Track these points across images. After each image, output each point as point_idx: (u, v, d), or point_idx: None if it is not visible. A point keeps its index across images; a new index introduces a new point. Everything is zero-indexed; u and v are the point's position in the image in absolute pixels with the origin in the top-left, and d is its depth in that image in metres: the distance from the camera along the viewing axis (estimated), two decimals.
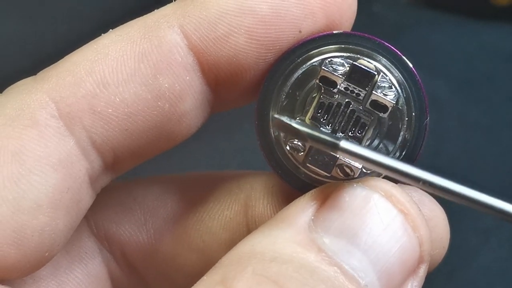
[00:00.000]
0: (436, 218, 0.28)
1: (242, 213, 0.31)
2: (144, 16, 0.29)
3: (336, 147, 0.23)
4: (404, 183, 0.24)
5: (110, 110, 0.27)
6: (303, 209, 0.25)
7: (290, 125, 0.24)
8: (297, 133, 0.24)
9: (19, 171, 0.26)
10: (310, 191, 0.26)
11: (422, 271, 0.25)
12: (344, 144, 0.23)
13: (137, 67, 0.27)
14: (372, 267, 0.24)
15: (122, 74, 0.27)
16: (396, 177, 0.23)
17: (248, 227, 0.30)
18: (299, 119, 0.27)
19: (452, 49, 0.74)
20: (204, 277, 0.24)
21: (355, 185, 0.25)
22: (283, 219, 0.25)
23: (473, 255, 0.52)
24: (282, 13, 0.28)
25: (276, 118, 0.26)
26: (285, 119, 0.25)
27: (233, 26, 0.28)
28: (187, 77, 0.28)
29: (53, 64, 0.28)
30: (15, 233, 0.26)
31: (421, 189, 0.24)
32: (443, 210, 0.29)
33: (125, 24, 0.29)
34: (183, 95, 0.28)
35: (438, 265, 0.28)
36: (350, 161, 0.25)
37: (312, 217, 0.25)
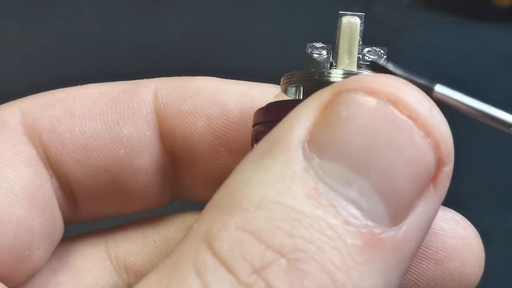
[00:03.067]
0: (470, 236, 0.28)
1: None
2: None
3: (431, 90, 0.23)
4: (497, 129, 0.23)
5: (68, 135, 0.29)
6: (297, 124, 0.22)
7: (387, 68, 0.24)
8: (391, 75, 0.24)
9: None
10: (308, 98, 0.22)
11: (445, 174, 0.22)
12: (438, 88, 0.23)
13: (105, 109, 0.30)
14: (375, 192, 0.21)
15: (89, 111, 0.30)
16: (490, 123, 0.23)
17: None
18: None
19: (453, 50, 0.74)
20: (194, 225, 0.22)
21: (353, 92, 0.21)
22: (275, 140, 0.22)
23: None
24: (247, 117, 0.29)
25: (373, 61, 0.25)
26: (382, 62, 0.24)
27: (197, 107, 0.30)
28: (148, 132, 0.30)
29: None
30: None
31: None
32: (476, 230, 0.28)
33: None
34: (140, 148, 0.30)
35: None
36: None
37: (307, 137, 0.21)
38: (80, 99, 0.30)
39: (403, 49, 0.68)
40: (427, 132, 0.21)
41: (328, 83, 0.24)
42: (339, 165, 0.21)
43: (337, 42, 0.26)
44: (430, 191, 0.22)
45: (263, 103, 0.28)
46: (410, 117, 0.21)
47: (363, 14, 0.25)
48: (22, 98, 0.30)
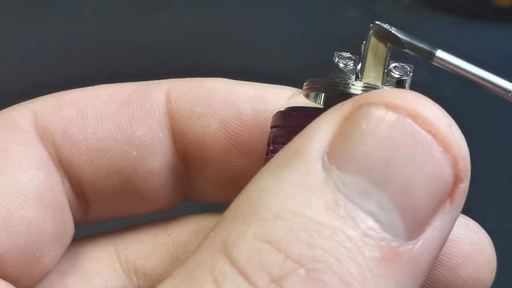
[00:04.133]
0: (483, 242, 0.28)
1: None
2: None
3: (432, 55, 0.24)
4: (496, 94, 0.23)
5: (80, 137, 0.29)
6: (317, 136, 0.22)
7: (390, 32, 0.25)
8: (396, 40, 0.25)
9: (5, 165, 0.27)
10: (328, 110, 0.22)
11: (461, 190, 0.22)
12: (440, 53, 0.24)
13: (117, 110, 0.30)
14: (393, 206, 0.21)
15: (102, 112, 0.29)
16: (489, 90, 0.24)
17: None
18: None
19: (454, 50, 0.73)
20: (211, 234, 0.22)
21: (373, 106, 0.21)
22: (294, 151, 0.22)
23: None
24: (260, 120, 0.29)
25: (376, 24, 0.25)
26: (386, 26, 0.25)
27: (210, 109, 0.30)
28: (160, 134, 0.30)
29: None
30: (3, 218, 0.26)
31: (510, 100, 0.24)
32: (488, 236, 0.28)
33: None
34: (153, 149, 0.30)
35: None
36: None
37: (327, 150, 0.21)
38: (92, 100, 0.30)
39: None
40: (446, 148, 0.21)
41: (350, 95, 0.25)
42: (359, 177, 0.21)
43: (364, 54, 0.26)
44: (447, 207, 0.22)
45: (276, 106, 0.29)
46: (429, 132, 0.21)
47: (396, 29, 0.25)
48: (33, 99, 0.30)
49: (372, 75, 0.25)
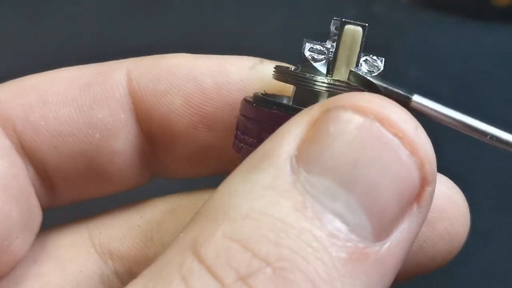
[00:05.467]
0: (456, 196, 0.28)
1: None
2: None
3: (408, 99, 0.24)
4: (473, 137, 0.24)
5: (42, 123, 0.29)
6: (286, 140, 0.22)
7: (366, 78, 0.25)
8: (372, 86, 0.24)
9: None
10: (297, 114, 0.23)
11: (428, 194, 0.22)
12: (416, 97, 0.24)
13: (78, 94, 0.29)
14: (360, 207, 0.21)
15: (62, 97, 0.29)
16: (467, 132, 0.24)
17: None
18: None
19: (453, 50, 0.74)
20: (180, 235, 0.22)
21: (342, 110, 0.22)
22: (263, 155, 0.22)
23: (473, 257, 0.52)
24: (223, 93, 0.29)
25: (352, 71, 0.25)
26: (362, 72, 0.25)
27: (173, 86, 0.30)
28: (122, 115, 0.30)
29: None
30: None
31: (488, 143, 0.24)
32: (459, 189, 0.28)
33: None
34: (116, 131, 0.30)
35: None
36: None
37: (296, 153, 0.22)
38: (53, 85, 0.30)
39: (402, 49, 0.68)
40: (413, 151, 0.22)
41: (319, 93, 0.25)
42: (326, 179, 0.21)
43: (336, 49, 0.26)
44: (414, 210, 0.22)
45: (238, 77, 0.29)
46: (396, 135, 0.22)
47: (367, 24, 0.25)
48: None
49: (343, 72, 0.26)
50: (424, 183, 0.22)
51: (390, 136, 0.22)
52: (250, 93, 0.29)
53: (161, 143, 0.31)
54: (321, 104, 0.23)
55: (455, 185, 0.28)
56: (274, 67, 0.27)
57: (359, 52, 0.25)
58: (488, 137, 0.24)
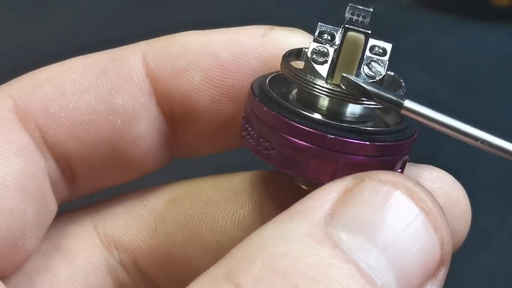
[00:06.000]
0: (457, 193, 0.28)
1: (257, 210, 0.30)
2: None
3: (400, 106, 0.24)
4: (464, 142, 0.24)
5: (63, 114, 0.29)
6: (320, 202, 0.23)
7: (358, 84, 0.25)
8: (364, 92, 0.25)
9: None
10: (328, 183, 0.25)
11: (442, 275, 0.24)
12: (408, 103, 0.24)
13: (95, 81, 0.29)
14: (390, 267, 0.23)
15: (80, 85, 0.29)
16: (457, 137, 0.24)
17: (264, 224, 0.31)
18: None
19: (453, 50, 0.74)
20: (211, 268, 0.22)
21: (376, 181, 0.24)
22: (298, 211, 0.23)
23: (473, 257, 0.52)
24: (241, 63, 0.29)
25: (344, 76, 0.26)
26: (353, 78, 0.25)
27: (191, 63, 0.29)
28: (142, 99, 0.30)
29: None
30: None
31: (478, 147, 0.24)
32: (461, 186, 0.28)
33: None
34: (137, 115, 0.30)
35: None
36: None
37: (330, 211, 0.23)
38: (67, 75, 0.29)
39: (403, 49, 0.68)
40: (437, 228, 0.23)
41: (319, 97, 0.26)
42: (360, 236, 0.23)
43: (337, 54, 0.26)
44: (430, 283, 0.24)
45: (252, 46, 0.29)
46: (424, 210, 0.23)
47: (369, 32, 0.25)
48: (8, 83, 0.30)
49: (345, 72, 0.26)
50: (441, 262, 0.24)
51: (418, 209, 0.23)
52: (266, 61, 0.29)
53: (183, 122, 0.31)
54: (354, 176, 0.24)
55: (457, 182, 0.28)
56: (283, 59, 0.27)
57: (361, 58, 0.26)
58: (479, 142, 0.24)
